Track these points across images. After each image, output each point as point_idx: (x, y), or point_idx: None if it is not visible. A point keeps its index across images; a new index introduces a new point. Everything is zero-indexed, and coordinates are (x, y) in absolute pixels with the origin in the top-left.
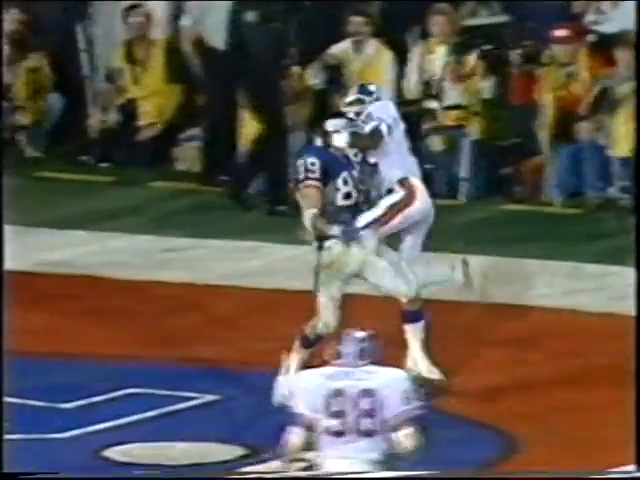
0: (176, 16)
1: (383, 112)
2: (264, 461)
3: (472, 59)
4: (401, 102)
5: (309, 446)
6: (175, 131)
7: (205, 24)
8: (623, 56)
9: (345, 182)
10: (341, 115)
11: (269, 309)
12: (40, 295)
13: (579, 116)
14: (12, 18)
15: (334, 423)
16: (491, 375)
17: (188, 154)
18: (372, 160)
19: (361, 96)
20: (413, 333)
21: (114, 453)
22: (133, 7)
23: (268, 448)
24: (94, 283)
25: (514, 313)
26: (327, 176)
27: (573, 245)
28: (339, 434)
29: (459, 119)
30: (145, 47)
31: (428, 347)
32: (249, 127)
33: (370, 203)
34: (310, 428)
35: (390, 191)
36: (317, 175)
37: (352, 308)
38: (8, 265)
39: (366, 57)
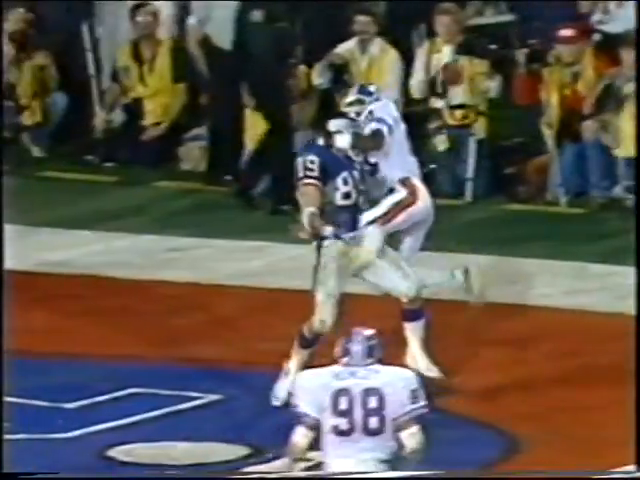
0: (181, 16)
1: (384, 112)
2: (267, 461)
3: (464, 61)
4: (406, 101)
5: (314, 446)
6: (180, 131)
7: (210, 24)
8: (628, 56)
9: (345, 182)
10: (343, 115)
11: (273, 309)
12: (43, 295)
13: (584, 116)
14: (17, 17)
15: (341, 422)
16: (493, 375)
17: (193, 154)
18: (373, 160)
19: (361, 96)
20: (413, 331)
21: (116, 453)
22: (140, 6)
23: (271, 448)
24: (97, 283)
25: (517, 313)
26: (326, 175)
27: (577, 245)
28: (346, 433)
29: (464, 119)
30: (151, 46)
31: (429, 346)
32: (254, 126)
33: (370, 204)
34: (315, 428)
35: (391, 191)
36: (316, 174)
37: (351, 307)
38: (12, 265)
39: (371, 56)
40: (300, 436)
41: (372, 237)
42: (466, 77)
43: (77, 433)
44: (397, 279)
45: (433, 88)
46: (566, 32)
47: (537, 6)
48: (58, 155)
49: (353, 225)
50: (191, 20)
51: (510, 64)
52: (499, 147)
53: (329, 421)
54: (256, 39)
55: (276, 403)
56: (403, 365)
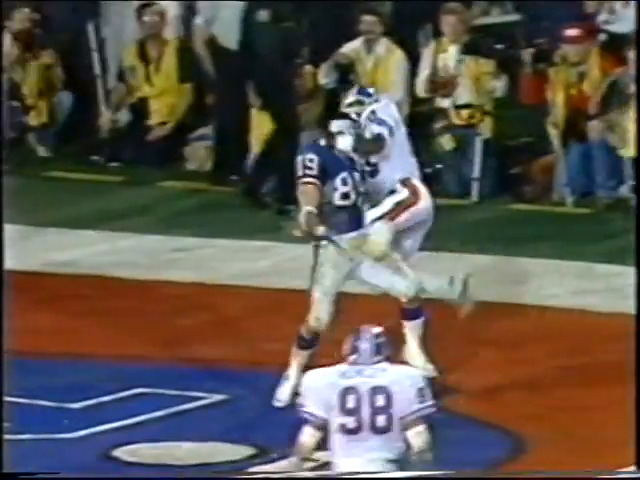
0: (188, 16)
1: (385, 113)
2: (272, 461)
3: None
4: (412, 101)
5: (322, 446)
6: (186, 130)
7: (216, 23)
8: (634, 56)
9: (344, 182)
10: (345, 116)
11: (278, 309)
12: (49, 295)
13: (590, 115)
14: (22, 17)
15: (348, 420)
16: (498, 375)
17: (198, 154)
18: (373, 160)
19: (360, 97)
20: (412, 330)
21: (121, 453)
22: (147, 6)
23: (276, 448)
24: (103, 283)
25: (523, 313)
26: (326, 175)
27: (583, 245)
28: (353, 432)
29: (470, 118)
30: (158, 46)
31: (432, 346)
32: (260, 126)
33: (370, 205)
34: (322, 428)
35: (392, 192)
36: (315, 172)
37: (350, 306)
38: (17, 265)
39: (377, 56)
40: (307, 436)
41: (380, 231)
42: (472, 77)
43: (82, 433)
44: (396, 279)
45: (439, 87)
46: (572, 32)
47: (543, 6)
48: (63, 155)
49: (351, 226)
50: (197, 20)
51: (516, 64)
52: (505, 147)
53: (336, 420)
54: (262, 39)
55: (279, 405)
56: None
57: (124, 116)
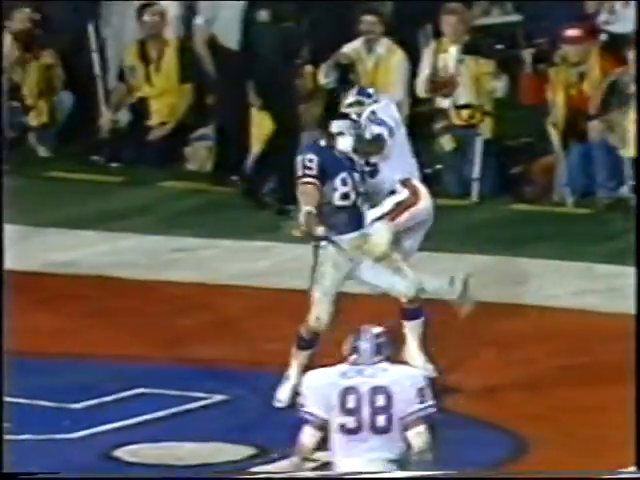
0: (188, 16)
1: (385, 114)
2: (273, 461)
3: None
4: (413, 101)
5: (322, 446)
6: (186, 131)
7: (217, 23)
8: (634, 56)
9: (344, 183)
10: (345, 117)
11: (278, 309)
12: (49, 295)
13: (590, 116)
14: (22, 17)
15: (348, 420)
16: (499, 375)
17: (199, 154)
18: (373, 160)
19: (360, 98)
20: (411, 330)
21: (122, 453)
22: (147, 6)
23: (277, 448)
24: (103, 283)
25: (523, 313)
26: (325, 175)
27: (584, 245)
28: (353, 431)
29: (470, 119)
30: (158, 46)
31: (435, 346)
32: (260, 127)
33: (370, 206)
34: (323, 428)
35: (392, 192)
36: (314, 172)
37: (350, 306)
38: (18, 266)
39: (378, 56)
40: (308, 436)
41: (381, 231)
42: (472, 77)
43: (83, 433)
44: (396, 279)
45: (439, 87)
46: (572, 32)
47: (543, 6)
48: (64, 155)
49: (351, 226)
50: (198, 20)
51: (516, 64)
52: (505, 147)
53: (337, 420)
54: (262, 39)
55: (279, 405)
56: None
57: (124, 116)
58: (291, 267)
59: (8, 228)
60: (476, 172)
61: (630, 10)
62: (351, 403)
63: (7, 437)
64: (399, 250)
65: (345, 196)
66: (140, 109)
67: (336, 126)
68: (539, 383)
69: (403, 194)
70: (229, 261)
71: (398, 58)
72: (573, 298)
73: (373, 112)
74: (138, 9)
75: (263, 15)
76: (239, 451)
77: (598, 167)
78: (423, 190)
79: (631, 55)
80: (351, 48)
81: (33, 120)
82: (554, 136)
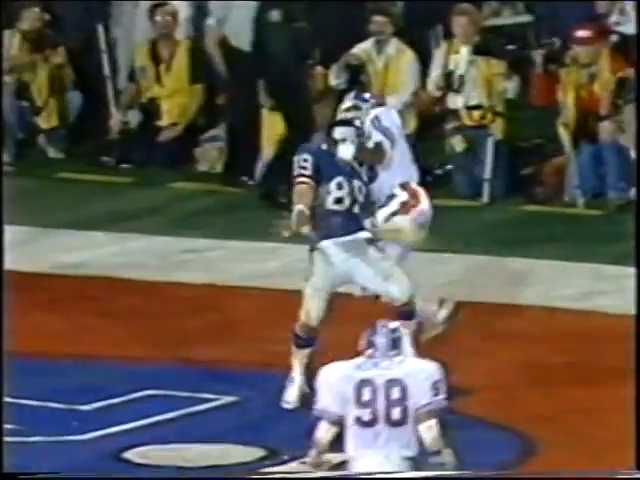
0: (199, 16)
1: (388, 120)
2: (283, 463)
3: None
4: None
5: (337, 446)
6: (197, 131)
7: (228, 24)
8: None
9: (339, 186)
10: (349, 123)
11: (288, 310)
12: (58, 297)
13: (601, 116)
14: (32, 17)
15: (364, 413)
16: (505, 375)
17: (209, 155)
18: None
19: (357, 102)
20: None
21: (131, 455)
22: (159, 6)
23: (287, 449)
24: (113, 284)
25: (532, 314)
26: (320, 176)
27: (595, 246)
28: (369, 424)
29: (482, 119)
30: (169, 46)
31: (439, 346)
32: (272, 127)
33: (368, 211)
34: (338, 423)
35: (392, 196)
36: (309, 172)
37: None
38: (27, 267)
39: (388, 57)
40: (323, 431)
41: (399, 222)
42: (483, 78)
43: (93, 435)
44: (390, 284)
45: (450, 84)
46: (583, 33)
47: (554, 7)
48: (74, 156)
49: (345, 230)
50: (209, 21)
51: (527, 65)
52: (516, 148)
53: (352, 412)
54: (274, 39)
55: (287, 406)
56: None
57: (135, 117)
58: (300, 268)
59: (18, 229)
60: (487, 173)
61: None
62: (366, 395)
63: (17, 439)
64: (392, 253)
65: (339, 200)
66: (150, 110)
67: (339, 132)
68: (547, 384)
69: (404, 195)
70: (238, 262)
71: (408, 59)
72: (583, 299)
73: (377, 118)
74: (150, 9)
75: (274, 15)
76: (249, 453)
77: (609, 168)
78: (423, 193)
79: None
80: (361, 49)
81: (43, 121)
82: (565, 137)
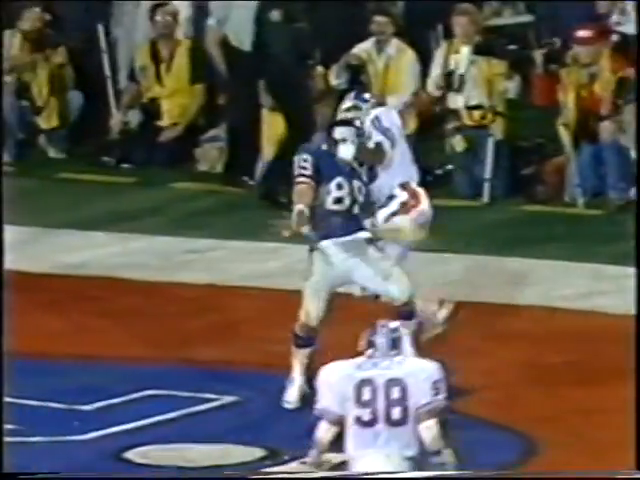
0: (200, 16)
1: (388, 121)
2: (284, 463)
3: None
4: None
5: (338, 446)
6: (197, 131)
7: (228, 24)
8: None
9: (339, 187)
10: (349, 123)
11: (288, 310)
12: (60, 297)
13: (601, 117)
14: (32, 17)
15: (364, 412)
16: (505, 375)
17: (210, 155)
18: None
19: (357, 102)
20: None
21: (132, 455)
22: (159, 6)
23: (288, 450)
24: (114, 285)
25: (533, 314)
26: (320, 176)
27: (595, 246)
28: (369, 424)
29: (482, 119)
30: (170, 46)
31: (443, 347)
32: (272, 127)
33: (368, 211)
34: (338, 423)
35: (391, 197)
36: (308, 172)
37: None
38: (29, 267)
39: (388, 57)
40: (323, 431)
41: (400, 222)
42: (484, 78)
43: (93, 435)
44: (389, 284)
45: (450, 83)
46: (584, 33)
47: (555, 7)
48: (74, 156)
49: (345, 230)
50: (210, 21)
51: (528, 65)
52: (517, 148)
53: (352, 412)
54: (274, 39)
55: (288, 407)
56: None
57: (135, 117)
58: (301, 268)
59: (19, 229)
60: (487, 173)
61: None
62: (366, 395)
63: (18, 439)
64: (391, 253)
65: (339, 200)
66: (151, 110)
67: (339, 133)
68: (547, 384)
69: (403, 196)
70: (240, 262)
71: (409, 59)
72: (583, 299)
73: (377, 118)
74: (150, 9)
75: (275, 15)
76: (249, 453)
77: (609, 168)
78: (422, 193)
79: None
80: (362, 49)
81: (43, 122)
82: (565, 137)
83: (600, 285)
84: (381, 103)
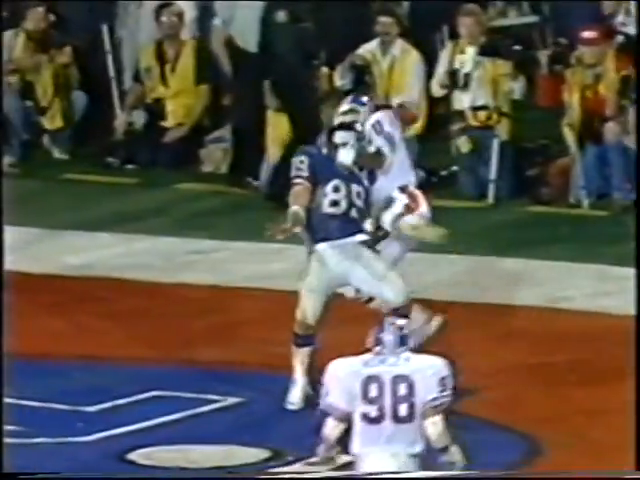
0: (205, 16)
1: (389, 124)
2: (287, 463)
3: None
4: (429, 103)
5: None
6: (202, 132)
7: (233, 24)
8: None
9: (336, 189)
10: (349, 127)
11: (292, 311)
12: (64, 298)
13: (606, 117)
14: (36, 16)
15: (371, 409)
16: (510, 376)
17: (214, 155)
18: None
19: (355, 106)
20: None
21: (136, 456)
22: (165, 6)
23: (292, 450)
24: (118, 285)
25: (537, 314)
26: (316, 178)
27: (600, 247)
28: (376, 420)
29: (487, 120)
30: (175, 47)
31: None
32: (277, 128)
33: (367, 215)
34: (345, 420)
35: (391, 200)
36: (304, 174)
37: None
38: (33, 268)
39: (393, 57)
40: (330, 428)
41: (410, 220)
42: (489, 78)
43: (98, 436)
44: (384, 287)
45: (455, 81)
46: (588, 34)
47: (560, 7)
48: (79, 157)
49: (340, 233)
50: (215, 21)
51: (533, 65)
52: (522, 149)
53: (359, 409)
54: (280, 40)
55: (291, 408)
56: None
57: (140, 118)
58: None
59: (23, 230)
60: (492, 174)
61: None
62: (373, 392)
63: (22, 440)
64: (387, 257)
65: (335, 203)
66: (156, 110)
67: (339, 137)
68: (550, 385)
69: (404, 199)
70: (243, 263)
71: (413, 59)
72: (588, 300)
73: (379, 123)
74: (156, 9)
75: (280, 16)
76: (253, 454)
77: (614, 169)
78: (421, 196)
79: None
80: (367, 49)
81: (47, 122)
82: (570, 138)
83: (605, 286)
84: (384, 105)
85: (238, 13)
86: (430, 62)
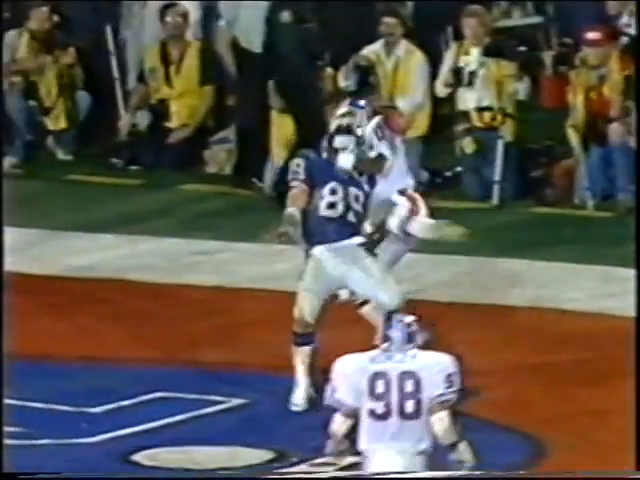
0: (209, 17)
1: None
2: (292, 465)
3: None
4: (434, 103)
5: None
6: (206, 133)
7: (238, 25)
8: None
9: (333, 192)
10: (349, 132)
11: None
12: (68, 299)
13: (610, 118)
14: (40, 16)
15: (377, 405)
16: (515, 377)
17: (218, 156)
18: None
19: (352, 109)
20: None
21: (140, 457)
22: (170, 6)
23: (296, 452)
24: (122, 287)
25: (542, 316)
26: (312, 181)
27: (604, 248)
28: (383, 417)
29: (492, 121)
30: (179, 47)
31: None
32: (281, 129)
33: (363, 218)
34: (352, 416)
35: (392, 204)
36: (301, 176)
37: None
38: (37, 269)
39: (397, 58)
40: (338, 424)
41: (422, 222)
42: (494, 79)
43: (102, 437)
44: (379, 290)
45: (460, 82)
46: (593, 35)
47: (564, 8)
48: (83, 158)
49: (337, 236)
50: (220, 22)
51: (537, 66)
52: (526, 150)
53: (366, 405)
54: (284, 40)
55: (295, 409)
56: None
57: (144, 119)
58: None
59: (26, 232)
60: (497, 175)
61: None
62: (380, 388)
63: (27, 442)
64: (383, 258)
65: (331, 205)
66: (160, 111)
67: (339, 142)
68: (555, 386)
69: (404, 203)
70: (247, 264)
71: (418, 60)
72: (592, 301)
73: (380, 127)
74: (161, 10)
75: (284, 16)
76: (257, 455)
77: (619, 170)
78: (421, 199)
79: None
80: (371, 50)
81: (51, 123)
82: (574, 139)
83: (609, 287)
84: (391, 106)
85: (242, 14)
86: (434, 63)
